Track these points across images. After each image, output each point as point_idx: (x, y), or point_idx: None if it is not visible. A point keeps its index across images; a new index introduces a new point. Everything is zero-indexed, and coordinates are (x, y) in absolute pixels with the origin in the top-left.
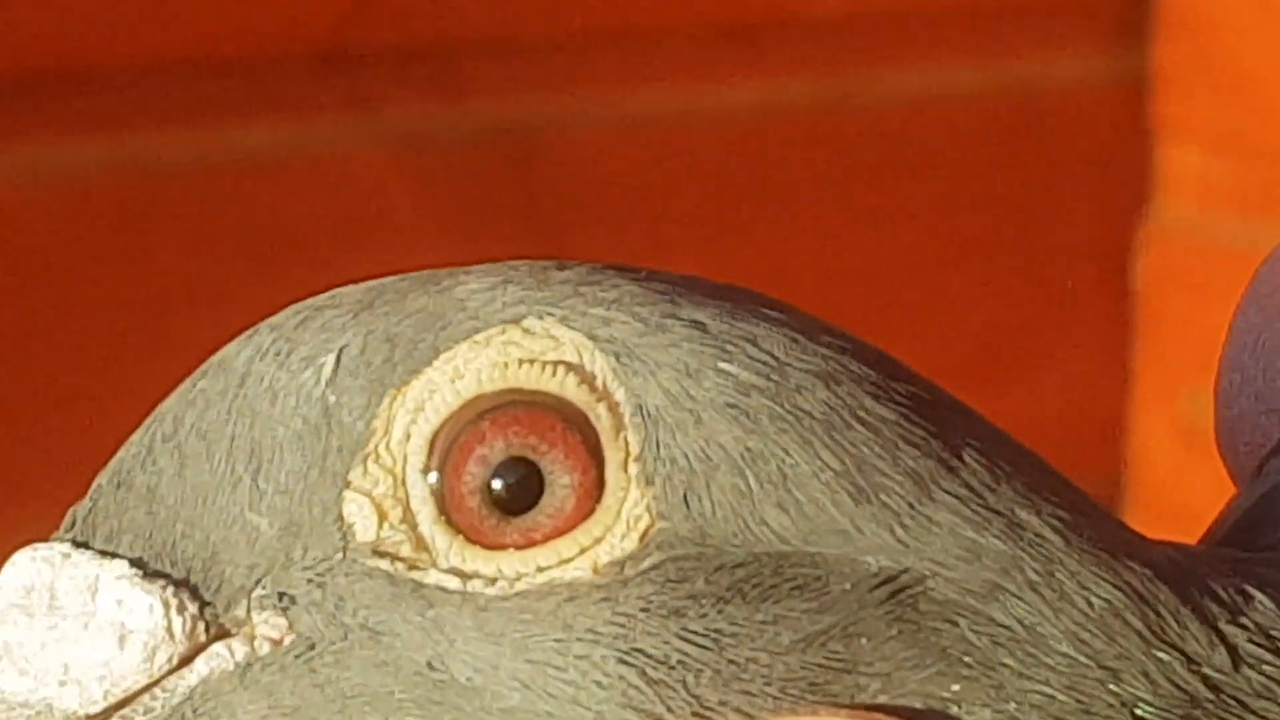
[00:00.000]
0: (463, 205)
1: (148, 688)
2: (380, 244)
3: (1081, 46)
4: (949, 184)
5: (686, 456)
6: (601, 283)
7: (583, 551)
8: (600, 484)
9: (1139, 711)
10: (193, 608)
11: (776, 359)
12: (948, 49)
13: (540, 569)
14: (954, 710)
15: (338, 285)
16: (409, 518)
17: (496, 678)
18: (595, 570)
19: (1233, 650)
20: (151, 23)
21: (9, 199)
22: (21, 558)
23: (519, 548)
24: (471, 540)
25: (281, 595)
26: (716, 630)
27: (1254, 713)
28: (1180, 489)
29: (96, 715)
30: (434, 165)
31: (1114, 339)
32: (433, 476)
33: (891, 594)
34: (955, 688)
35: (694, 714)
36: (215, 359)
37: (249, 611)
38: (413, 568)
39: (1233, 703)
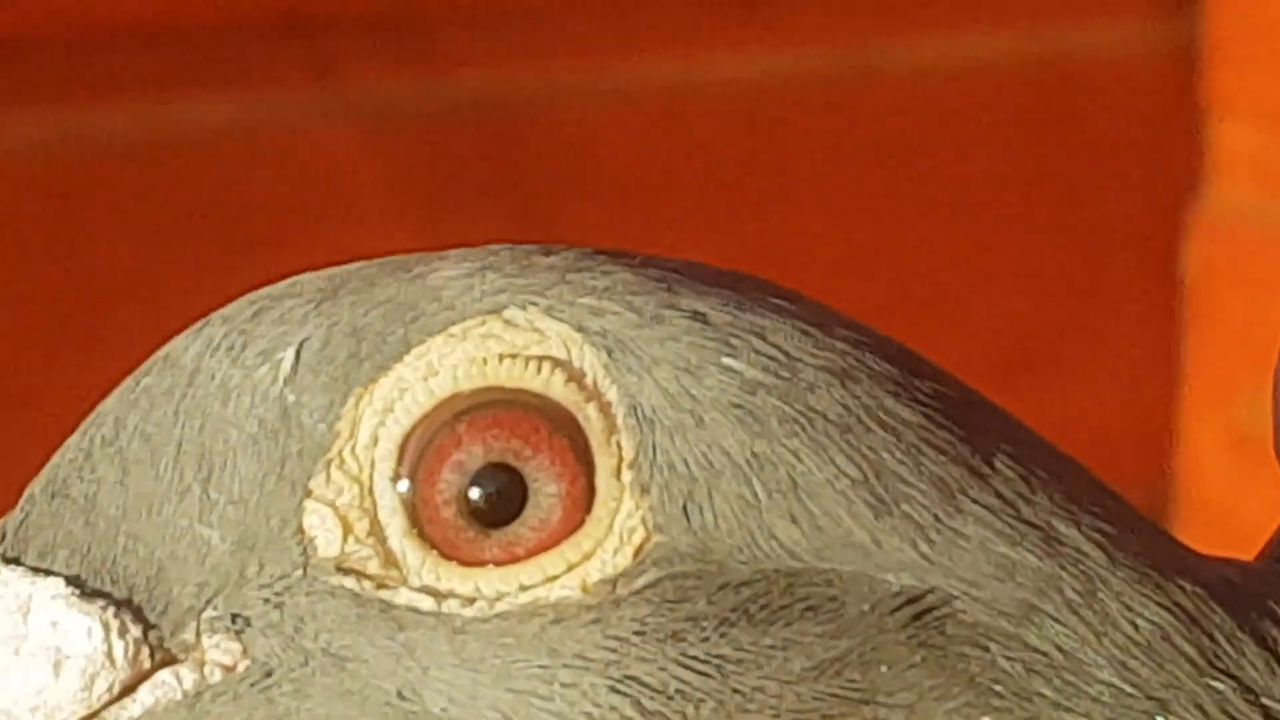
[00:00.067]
0: (437, 185)
1: (86, 719)
2: (346, 227)
3: (1124, 12)
4: (977, 164)
5: (686, 462)
6: (592, 269)
7: (570, 568)
8: (590, 493)
9: None
10: (136, 630)
11: (786, 354)
12: (976, 14)
13: (523, 587)
14: None
15: (298, 272)
16: (377, 530)
17: (474, 708)
18: (584, 589)
19: None
20: None
21: None
22: None
23: (499, 564)
24: (447, 555)
25: (235, 617)
26: (719, 656)
27: None
28: (1235, 500)
29: None
30: (406, 141)
31: (1161, 335)
32: (403, 485)
33: (915, 616)
34: None
35: None
36: (161, 354)
37: (199, 635)
38: (381, 586)
39: None
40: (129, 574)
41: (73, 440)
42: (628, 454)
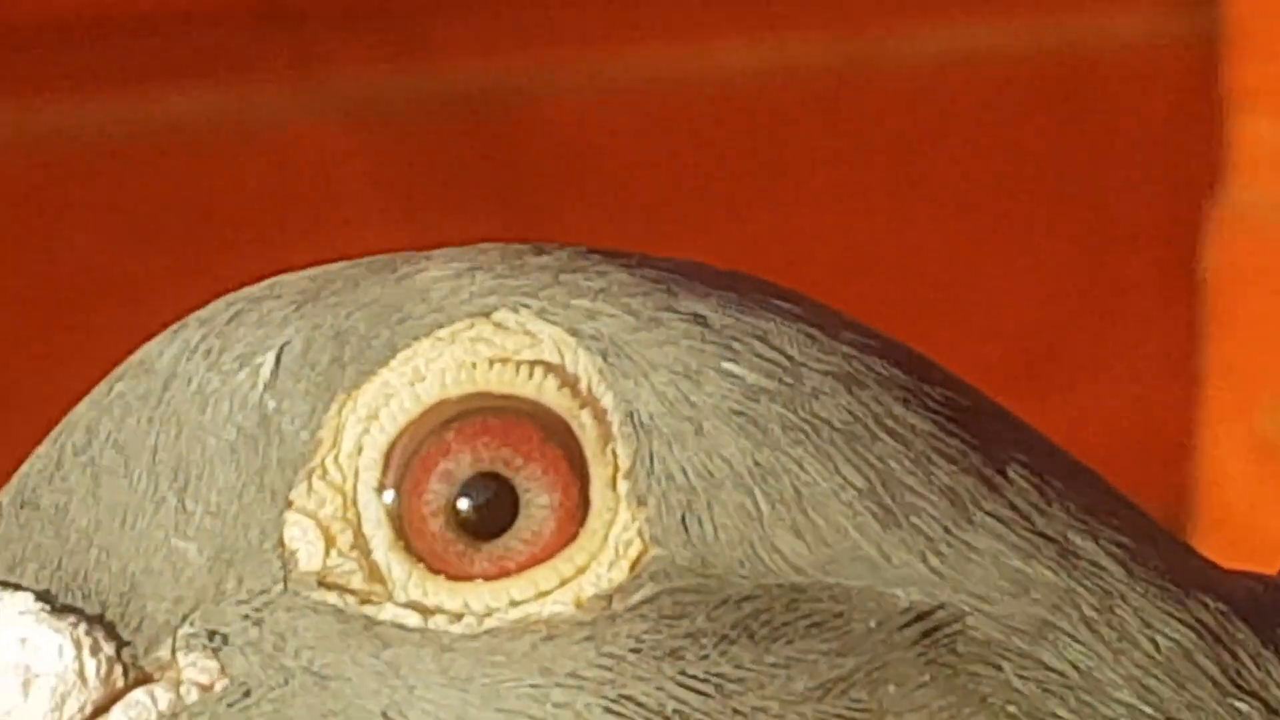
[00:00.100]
0: (424, 181)
1: None
2: (329, 224)
3: (1142, 1)
4: (988, 159)
5: (685, 472)
6: (586, 270)
7: (564, 583)
8: (584, 504)
9: None
10: (109, 648)
11: (790, 358)
12: (987, 3)
13: (514, 603)
14: None
15: (279, 272)
16: (361, 543)
17: None
18: (578, 604)
19: None
20: None
21: None
22: None
23: (489, 578)
24: (434, 569)
25: (212, 634)
26: (719, 675)
27: None
28: (1257, 511)
29: None
30: (392, 135)
31: (1180, 338)
32: (389, 495)
33: (924, 633)
34: None
35: None
36: (135, 358)
37: (174, 653)
38: (365, 601)
39: None
40: (101, 589)
41: (43, 448)
42: (624, 463)
